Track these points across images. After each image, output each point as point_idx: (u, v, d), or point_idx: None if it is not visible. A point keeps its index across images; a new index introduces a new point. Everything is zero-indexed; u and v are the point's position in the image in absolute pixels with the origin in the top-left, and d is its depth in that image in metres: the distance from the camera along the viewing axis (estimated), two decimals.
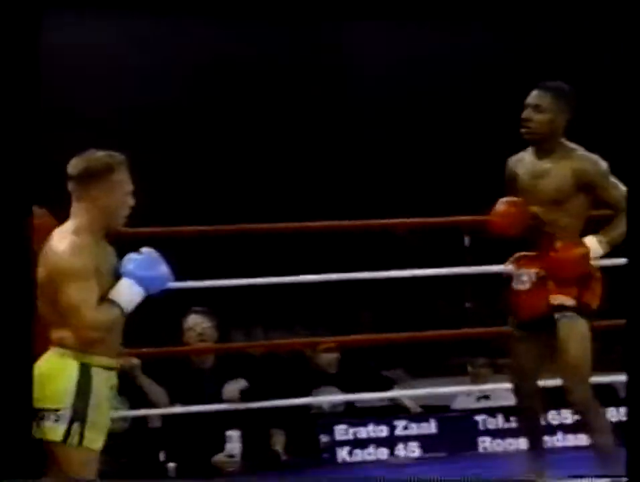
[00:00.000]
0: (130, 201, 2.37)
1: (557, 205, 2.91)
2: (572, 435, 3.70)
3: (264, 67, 6.77)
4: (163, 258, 2.32)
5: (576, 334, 2.87)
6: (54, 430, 2.23)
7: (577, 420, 3.03)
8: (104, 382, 2.30)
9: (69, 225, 2.34)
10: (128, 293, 2.28)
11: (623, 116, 2.24)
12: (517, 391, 3.05)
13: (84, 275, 2.24)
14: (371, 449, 3.63)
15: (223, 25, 6.84)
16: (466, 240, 5.93)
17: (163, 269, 2.32)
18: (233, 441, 3.30)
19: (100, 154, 2.34)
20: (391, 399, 4.02)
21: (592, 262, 2.95)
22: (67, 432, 2.23)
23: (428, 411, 3.95)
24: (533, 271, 2.98)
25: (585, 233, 2.99)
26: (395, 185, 6.73)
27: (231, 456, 3.30)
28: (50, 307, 2.29)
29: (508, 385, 3.28)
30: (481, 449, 3.74)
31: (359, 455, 3.62)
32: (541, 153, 2.91)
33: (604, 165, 2.92)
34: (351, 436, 3.61)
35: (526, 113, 2.91)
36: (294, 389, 3.58)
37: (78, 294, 2.22)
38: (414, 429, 3.69)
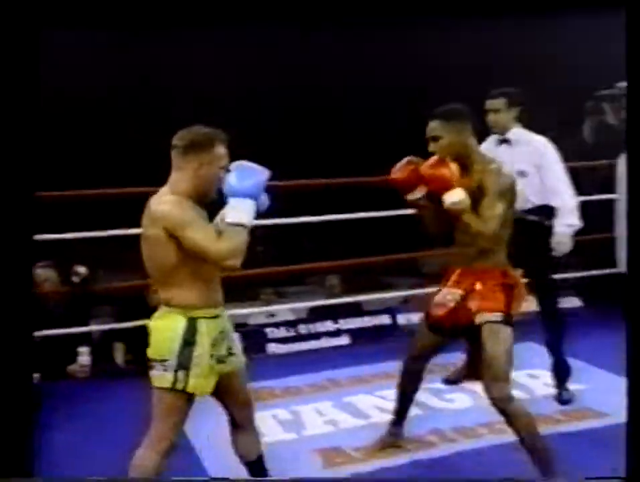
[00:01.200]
0: (223, 175, 2.46)
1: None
2: None
3: None
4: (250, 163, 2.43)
5: (496, 337, 2.99)
6: (163, 378, 2.47)
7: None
8: (211, 331, 2.50)
9: (166, 191, 2.49)
10: (242, 209, 2.39)
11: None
12: (406, 365, 3.34)
13: (195, 220, 2.40)
14: None
15: None
16: None
17: (258, 171, 2.43)
18: (84, 354, 4.30)
19: (204, 129, 2.48)
20: None
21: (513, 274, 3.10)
22: (175, 379, 2.46)
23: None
24: (458, 292, 3.12)
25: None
26: None
27: (82, 366, 4.30)
28: (160, 269, 2.47)
29: (290, 306, 4.34)
30: (269, 352, 4.94)
31: None
32: (462, 172, 2.95)
33: (503, 175, 2.98)
34: None
35: (430, 147, 2.99)
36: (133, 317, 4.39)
37: (198, 234, 2.37)
38: None
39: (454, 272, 3.16)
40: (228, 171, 2.44)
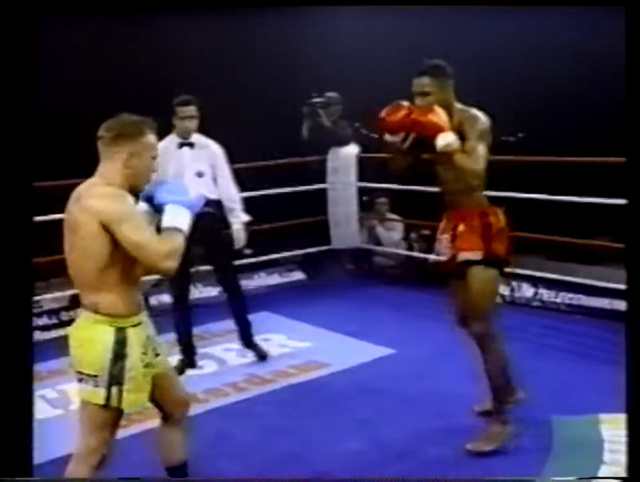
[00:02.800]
0: (156, 166, 2.40)
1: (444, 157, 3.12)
2: None
3: None
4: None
5: (479, 278, 3.18)
6: (94, 394, 2.31)
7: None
8: (139, 339, 2.36)
9: (97, 181, 2.32)
10: (181, 216, 2.31)
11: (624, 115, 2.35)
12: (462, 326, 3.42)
13: (134, 215, 2.26)
14: None
15: None
16: None
17: (190, 192, 2.45)
18: None
19: (133, 117, 2.35)
20: None
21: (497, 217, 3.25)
22: (108, 396, 2.31)
23: None
24: (446, 236, 3.32)
25: None
26: None
27: None
28: (87, 269, 2.27)
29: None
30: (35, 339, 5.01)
31: None
32: None
33: (481, 119, 3.16)
34: None
35: (417, 101, 3.13)
36: None
37: (137, 231, 2.21)
38: None
39: (443, 219, 3.38)
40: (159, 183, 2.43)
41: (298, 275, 6.69)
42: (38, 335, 5.19)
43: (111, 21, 5.70)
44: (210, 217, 4.27)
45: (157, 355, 2.47)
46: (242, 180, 4.86)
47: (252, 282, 6.38)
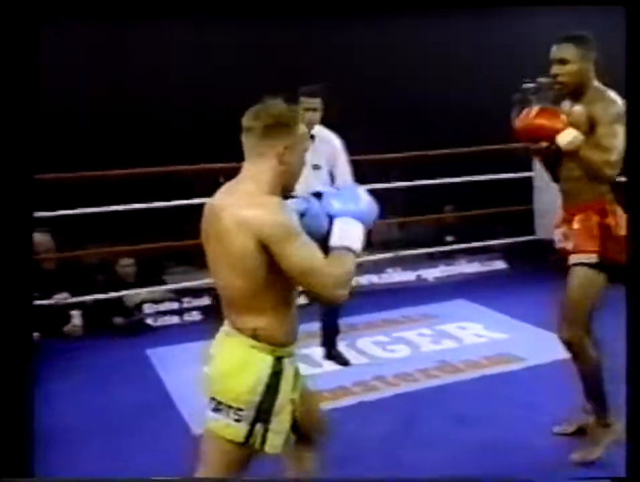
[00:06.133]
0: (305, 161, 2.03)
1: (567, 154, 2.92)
2: None
3: None
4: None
5: (584, 281, 2.95)
6: (234, 430, 1.96)
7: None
8: (290, 373, 2.04)
9: (250, 186, 1.95)
10: (353, 231, 1.97)
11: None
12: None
13: (299, 233, 1.90)
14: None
15: None
16: None
17: (366, 197, 2.02)
18: (76, 317, 4.90)
19: (283, 102, 1.99)
20: None
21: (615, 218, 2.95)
22: (249, 433, 1.97)
23: None
24: (562, 231, 3.12)
25: None
26: None
27: (75, 326, 4.94)
28: (244, 290, 1.94)
29: None
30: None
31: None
32: (575, 101, 2.98)
33: (618, 107, 2.87)
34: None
35: (554, 69, 2.97)
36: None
37: (303, 254, 1.87)
38: None
39: (564, 213, 3.16)
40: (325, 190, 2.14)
41: (499, 264, 6.53)
42: None
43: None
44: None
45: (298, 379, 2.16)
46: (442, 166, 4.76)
47: (450, 269, 6.31)
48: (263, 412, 1.96)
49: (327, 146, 4.20)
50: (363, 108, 6.56)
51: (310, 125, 4.05)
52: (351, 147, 4.36)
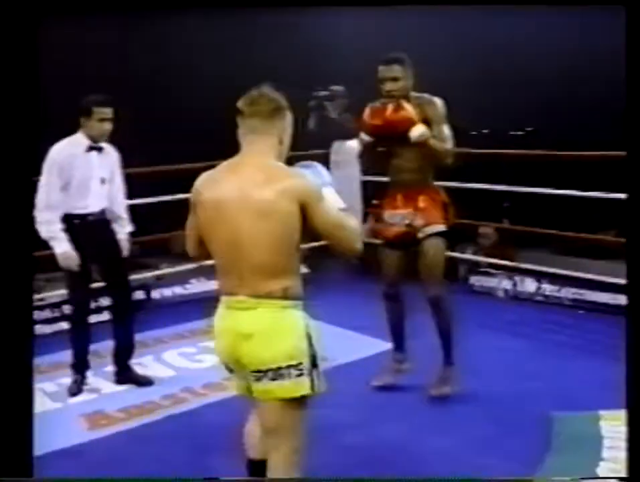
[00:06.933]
0: None
1: (410, 146, 3.58)
2: None
3: None
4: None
5: (439, 247, 3.69)
6: (300, 385, 2.14)
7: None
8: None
9: (268, 162, 2.19)
10: (336, 197, 2.26)
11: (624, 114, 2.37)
12: (386, 295, 3.94)
13: (321, 193, 2.18)
14: None
15: None
16: None
17: (324, 169, 2.38)
18: None
19: (274, 90, 2.27)
20: None
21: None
22: (312, 382, 2.16)
23: None
24: (405, 212, 3.73)
25: None
26: None
27: None
28: (279, 253, 2.13)
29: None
30: (37, 333, 5.01)
31: None
32: None
33: (438, 103, 3.63)
34: None
35: (388, 86, 3.57)
36: None
37: (333, 210, 2.18)
38: None
39: (395, 197, 3.80)
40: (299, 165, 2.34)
41: (301, 269, 6.64)
42: (39, 329, 5.16)
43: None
44: (106, 225, 4.15)
45: None
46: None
47: None
48: (313, 358, 2.15)
49: (111, 158, 4.10)
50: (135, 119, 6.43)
51: (101, 136, 3.98)
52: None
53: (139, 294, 5.77)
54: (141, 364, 4.52)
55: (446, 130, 3.60)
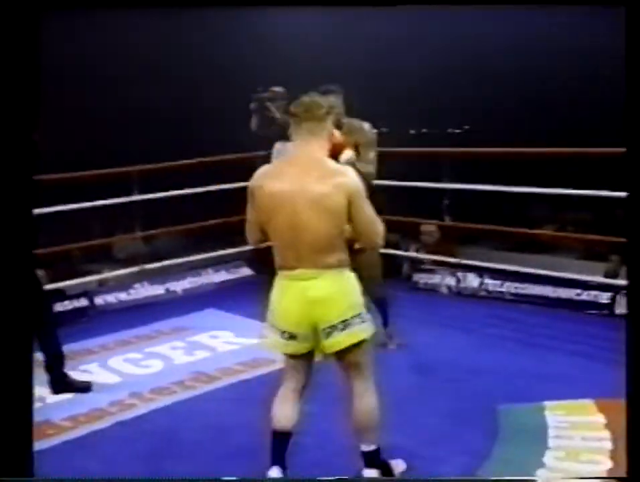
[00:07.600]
0: None
1: None
2: None
3: None
4: None
5: (373, 252, 4.03)
6: (366, 328, 2.73)
7: None
8: None
9: (319, 158, 2.67)
10: None
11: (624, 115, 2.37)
12: None
13: (364, 192, 2.67)
14: None
15: None
16: None
17: None
18: None
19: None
20: None
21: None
22: (372, 327, 2.77)
23: None
24: None
25: None
26: None
27: None
28: (331, 235, 2.62)
29: None
30: None
31: None
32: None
33: (366, 129, 4.16)
34: None
35: None
36: None
37: (370, 207, 2.66)
38: None
39: None
40: None
41: (245, 271, 6.62)
42: None
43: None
44: None
45: None
46: None
47: (198, 280, 6.33)
48: (367, 308, 2.75)
49: None
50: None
51: None
52: None
53: (82, 301, 5.69)
54: (87, 371, 4.47)
55: (371, 154, 4.12)
